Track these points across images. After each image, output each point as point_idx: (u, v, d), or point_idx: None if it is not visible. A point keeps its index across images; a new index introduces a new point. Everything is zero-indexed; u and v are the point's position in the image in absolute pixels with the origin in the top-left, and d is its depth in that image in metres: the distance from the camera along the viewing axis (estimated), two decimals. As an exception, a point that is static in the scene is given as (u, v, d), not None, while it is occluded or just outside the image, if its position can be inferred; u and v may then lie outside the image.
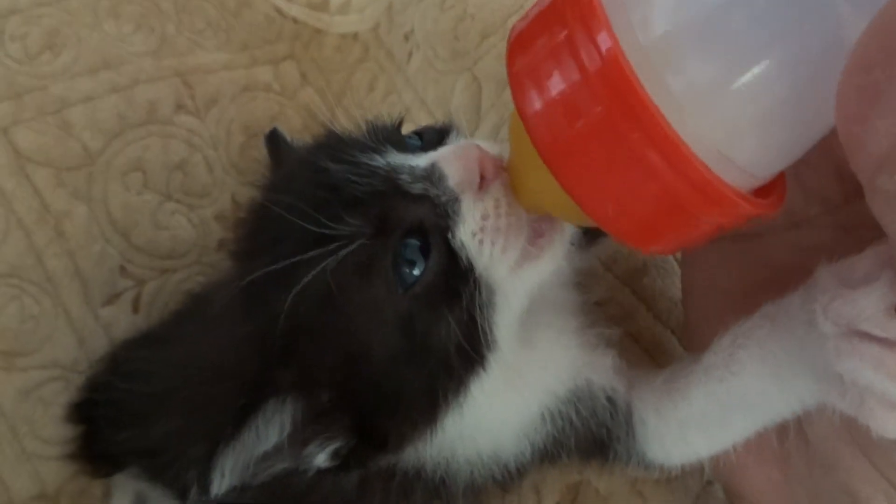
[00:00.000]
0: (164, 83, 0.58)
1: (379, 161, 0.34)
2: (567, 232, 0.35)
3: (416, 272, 0.32)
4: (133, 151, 0.55)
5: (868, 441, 0.28)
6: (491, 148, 0.35)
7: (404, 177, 0.34)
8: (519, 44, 0.28)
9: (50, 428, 0.49)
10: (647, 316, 0.42)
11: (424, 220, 0.33)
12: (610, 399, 0.38)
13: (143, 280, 0.54)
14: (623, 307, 0.44)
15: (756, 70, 0.24)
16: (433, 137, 0.39)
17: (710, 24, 0.24)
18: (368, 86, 0.67)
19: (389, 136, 0.37)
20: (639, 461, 0.38)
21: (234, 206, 0.59)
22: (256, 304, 0.33)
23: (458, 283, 0.33)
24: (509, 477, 0.38)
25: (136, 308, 0.54)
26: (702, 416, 0.36)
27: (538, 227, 0.34)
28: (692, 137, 0.24)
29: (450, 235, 0.33)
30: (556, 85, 0.26)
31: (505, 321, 0.34)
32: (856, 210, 0.25)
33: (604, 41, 0.24)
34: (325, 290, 0.31)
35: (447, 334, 0.32)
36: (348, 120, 0.67)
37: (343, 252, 0.31)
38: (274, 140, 0.49)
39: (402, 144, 0.37)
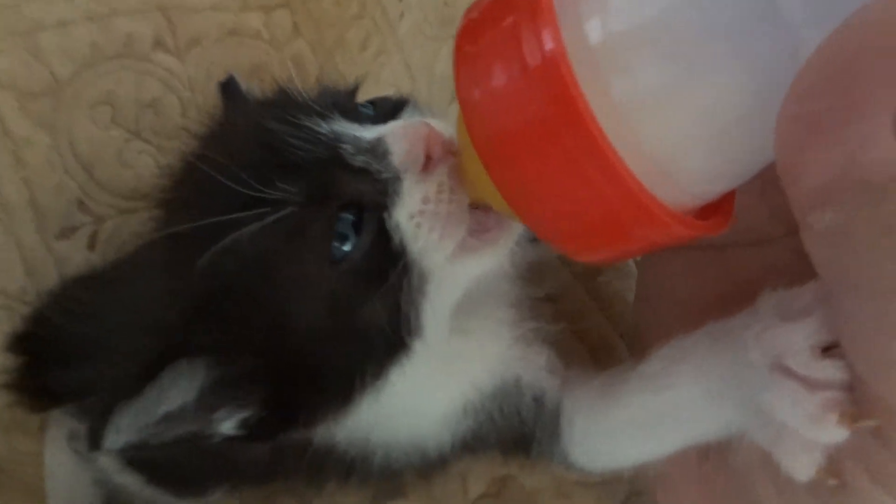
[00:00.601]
0: (144, 17, 0.56)
1: (323, 127, 0.33)
2: (515, 230, 0.34)
3: (346, 248, 0.31)
4: (104, 84, 0.54)
5: (781, 478, 0.27)
6: (444, 129, 0.33)
7: (347, 147, 0.32)
8: (467, 30, 0.27)
9: (-10, 356, 0.48)
10: (598, 316, 0.41)
11: (362, 195, 0.32)
12: (536, 399, 0.37)
13: (102, 217, 0.53)
14: (574, 305, 0.42)
15: (704, 83, 0.23)
16: (387, 109, 0.37)
17: (661, 29, 0.23)
18: (361, 44, 0.65)
19: (341, 103, 0.36)
20: (561, 461, 0.38)
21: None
22: (178, 260, 0.31)
23: (387, 266, 0.31)
24: (429, 465, 0.37)
25: (91, 245, 0.53)
26: (630, 424, 0.35)
27: (486, 220, 0.33)
28: (630, 149, 0.23)
29: (386, 215, 0.32)
30: (496, 77, 0.25)
31: (435, 310, 0.33)
32: None
33: (548, 38, 0.23)
34: (249, 254, 0.30)
35: (371, 316, 0.31)
36: (335, 77, 0.65)
37: (270, 217, 0.30)
38: (229, 88, 0.47)
39: (353, 113, 0.35)
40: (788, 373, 0.26)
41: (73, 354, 0.44)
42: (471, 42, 0.26)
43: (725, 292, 0.34)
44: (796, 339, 0.26)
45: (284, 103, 0.35)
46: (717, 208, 0.27)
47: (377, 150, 0.32)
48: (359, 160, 0.32)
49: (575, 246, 0.27)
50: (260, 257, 0.30)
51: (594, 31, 0.23)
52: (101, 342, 0.40)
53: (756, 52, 0.22)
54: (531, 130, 0.24)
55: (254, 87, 0.52)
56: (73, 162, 0.52)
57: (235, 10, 0.63)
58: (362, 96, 0.62)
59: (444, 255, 0.32)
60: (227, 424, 0.31)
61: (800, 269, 0.29)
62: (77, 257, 0.52)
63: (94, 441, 0.27)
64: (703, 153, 0.24)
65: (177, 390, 0.29)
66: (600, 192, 0.23)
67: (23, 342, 0.49)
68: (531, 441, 0.37)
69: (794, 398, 0.25)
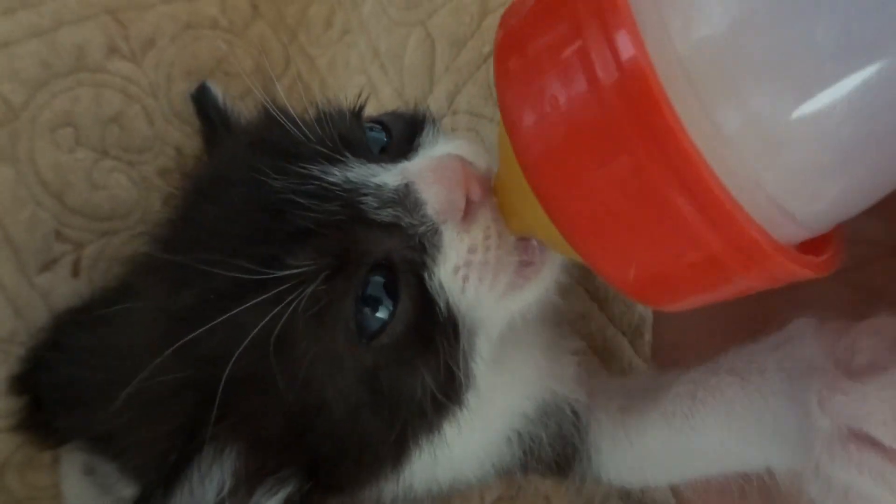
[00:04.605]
0: (92, 23, 0.53)
1: (336, 176, 0.28)
2: (559, 259, 0.30)
3: (380, 314, 0.27)
4: (61, 104, 0.51)
5: None
6: (477, 157, 0.29)
7: (369, 200, 0.27)
8: (510, 40, 0.21)
9: (-8, 401, 0.48)
10: (600, 317, 0.40)
11: (393, 253, 0.27)
12: (575, 412, 0.34)
13: (82, 244, 0.52)
14: (576, 307, 0.41)
15: (843, 98, 0.17)
16: (402, 132, 0.32)
17: (782, 28, 0.17)
18: (325, 22, 0.61)
19: (348, 133, 0.30)
20: (597, 480, 0.35)
21: (179, 160, 0.56)
22: (186, 349, 0.27)
23: (432, 331, 0.27)
24: (458, 491, 0.36)
25: (75, 273, 0.52)
26: (658, 457, 0.32)
27: (526, 251, 0.29)
28: (737, 181, 0.18)
29: (426, 275, 0.27)
30: (556, 98, 0.20)
31: (484, 357, 0.29)
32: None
33: (625, 45, 0.18)
34: (271, 340, 0.26)
35: (420, 386, 0.28)
36: (302, 63, 0.61)
37: (292, 301, 0.26)
38: (202, 99, 0.42)
39: (363, 144, 0.30)
40: (866, 441, 0.22)
41: (82, 398, 0.42)
42: (517, 54, 0.21)
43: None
44: (879, 404, 0.22)
45: (280, 143, 0.30)
46: (824, 240, 0.22)
47: (407, 200, 0.27)
48: (385, 214, 0.27)
49: (656, 293, 0.22)
50: (284, 343, 0.26)
51: (685, 33, 0.18)
52: (113, 388, 0.39)
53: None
54: (606, 162, 0.19)
55: (229, 97, 0.49)
56: (42, 192, 0.50)
57: (188, 0, 0.59)
58: (334, 81, 0.60)
59: (494, 301, 0.28)
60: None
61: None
62: (62, 287, 0.51)
63: None
64: (831, 181, 0.19)
65: (208, 483, 0.27)
66: (702, 234, 0.19)
67: (22, 383, 0.48)
68: (573, 458, 0.35)
69: (877, 473, 0.22)
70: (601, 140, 0.19)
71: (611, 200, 0.20)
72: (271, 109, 0.32)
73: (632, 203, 0.19)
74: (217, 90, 0.48)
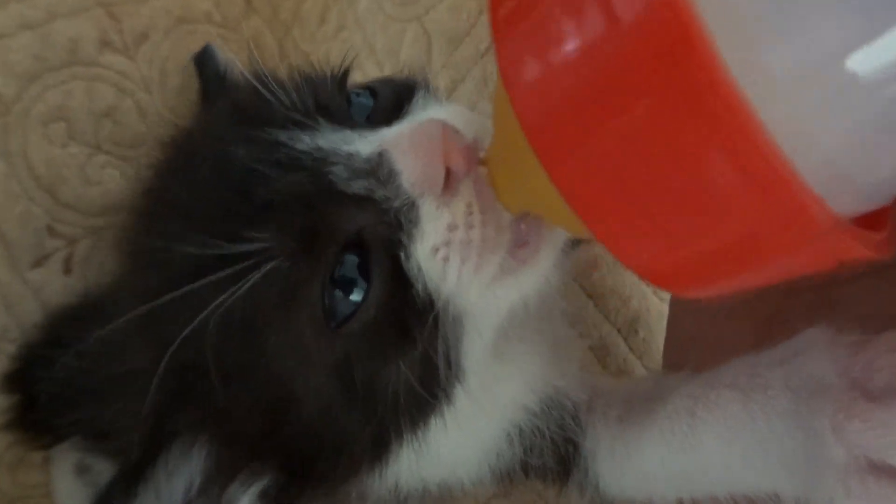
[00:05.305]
0: (85, 16, 0.52)
1: (305, 143, 0.25)
2: (559, 238, 0.27)
3: (354, 297, 0.25)
4: (54, 98, 0.50)
5: None
6: (465, 124, 0.26)
7: (338, 170, 0.24)
8: None
9: (-18, 399, 0.47)
10: (595, 313, 0.40)
11: (365, 229, 0.25)
12: (575, 404, 0.32)
13: (74, 239, 0.51)
14: (572, 304, 0.41)
15: None
16: (389, 99, 0.29)
17: None
18: (320, 17, 0.61)
19: (326, 99, 0.27)
20: (595, 492, 0.33)
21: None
22: (154, 332, 0.26)
23: (410, 319, 0.25)
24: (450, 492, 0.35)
25: (67, 269, 0.51)
26: (659, 474, 0.30)
27: (520, 230, 0.26)
28: (789, 138, 0.15)
29: (402, 255, 0.25)
30: (565, 43, 0.16)
31: (474, 350, 0.27)
32: None
33: None
34: (234, 321, 0.24)
35: (396, 378, 0.26)
36: (296, 59, 0.61)
37: (252, 278, 0.23)
38: (205, 62, 0.40)
39: (342, 110, 0.27)
40: (885, 472, 0.20)
41: (86, 393, 0.42)
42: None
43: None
44: None
45: (251, 110, 0.27)
46: (879, 215, 0.19)
47: (380, 169, 0.25)
48: (356, 186, 0.24)
49: (683, 279, 0.19)
50: (247, 324, 0.24)
51: None
52: (96, 386, 0.38)
53: None
54: (620, 111, 0.16)
55: (231, 61, 0.49)
56: (34, 187, 0.49)
57: (181, -7, 0.58)
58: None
59: (482, 287, 0.25)
60: (245, 500, 0.27)
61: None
62: (55, 283, 0.50)
63: None
64: None
65: (176, 479, 0.25)
66: (743, 206, 0.15)
67: (15, 381, 0.47)
68: (574, 458, 0.33)
69: None
70: (617, 84, 0.15)
71: (629, 162, 0.16)
72: (245, 74, 0.30)
73: (657, 165, 0.16)
74: (220, 54, 0.46)
